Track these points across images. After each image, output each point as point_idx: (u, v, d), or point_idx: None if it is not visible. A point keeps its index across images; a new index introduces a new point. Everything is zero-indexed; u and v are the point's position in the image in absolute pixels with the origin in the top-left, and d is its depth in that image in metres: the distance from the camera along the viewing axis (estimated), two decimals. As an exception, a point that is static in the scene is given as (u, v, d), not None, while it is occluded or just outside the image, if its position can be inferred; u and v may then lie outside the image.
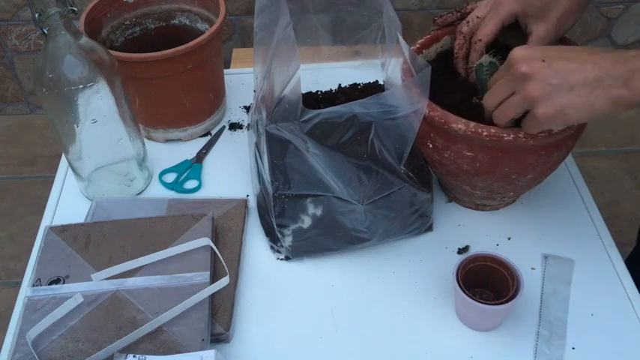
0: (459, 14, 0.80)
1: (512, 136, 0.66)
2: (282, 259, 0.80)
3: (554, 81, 0.60)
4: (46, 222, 0.85)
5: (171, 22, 0.97)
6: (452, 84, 0.78)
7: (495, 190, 0.77)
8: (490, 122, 0.68)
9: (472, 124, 0.67)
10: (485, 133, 0.67)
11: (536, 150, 0.69)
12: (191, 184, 0.90)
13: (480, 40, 0.75)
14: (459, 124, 0.68)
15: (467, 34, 0.76)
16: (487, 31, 0.74)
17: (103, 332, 0.68)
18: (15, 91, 2.20)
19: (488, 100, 0.67)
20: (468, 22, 0.76)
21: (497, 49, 0.81)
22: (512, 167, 0.71)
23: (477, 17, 0.75)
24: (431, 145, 0.73)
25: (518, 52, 0.63)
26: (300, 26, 0.80)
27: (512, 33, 0.76)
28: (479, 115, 0.73)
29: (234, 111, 1.01)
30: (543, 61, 0.61)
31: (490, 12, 0.74)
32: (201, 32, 0.91)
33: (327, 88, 0.90)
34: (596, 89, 0.59)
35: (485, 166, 0.71)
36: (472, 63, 0.76)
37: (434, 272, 0.77)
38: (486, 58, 0.72)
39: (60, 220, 0.83)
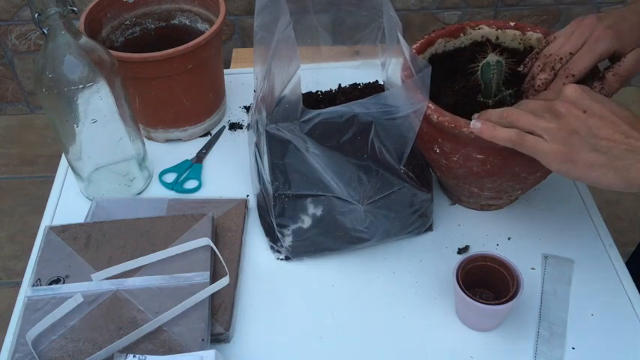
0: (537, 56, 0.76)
1: None
2: (282, 259, 0.80)
3: (582, 133, 0.60)
4: (46, 222, 0.85)
5: (171, 22, 0.97)
6: (450, 86, 0.78)
7: (504, 190, 0.77)
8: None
9: None
10: None
11: None
12: (191, 184, 0.90)
13: (574, 75, 0.70)
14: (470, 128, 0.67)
15: (558, 70, 0.72)
16: (582, 67, 0.70)
17: (103, 332, 0.68)
18: (15, 91, 2.20)
19: (523, 103, 0.67)
20: (561, 58, 0.71)
21: (503, 48, 0.81)
22: (523, 166, 0.71)
23: (570, 54, 0.71)
24: (438, 150, 0.73)
25: (570, 91, 0.63)
26: (300, 26, 0.80)
27: None
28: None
29: (234, 111, 1.01)
30: (584, 112, 0.61)
31: (584, 47, 0.70)
32: (201, 32, 0.91)
33: (327, 88, 0.90)
34: (618, 162, 0.59)
35: (495, 168, 0.71)
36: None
37: (434, 272, 0.77)
38: (493, 57, 0.71)
39: (60, 220, 0.84)
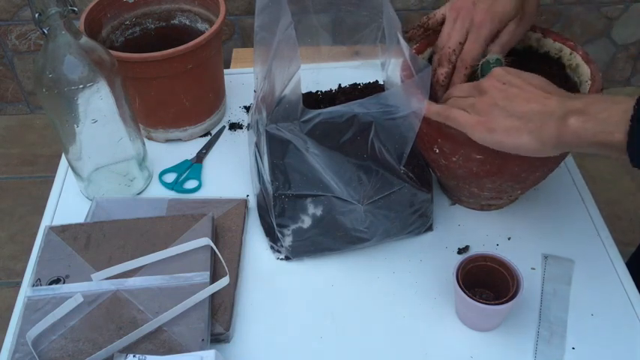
0: (422, 30, 0.80)
1: None
2: (282, 259, 0.80)
3: (502, 103, 0.64)
4: (46, 222, 0.85)
5: (171, 22, 0.97)
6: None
7: (504, 190, 0.77)
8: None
9: None
10: None
11: None
12: (191, 184, 0.90)
13: (471, 66, 0.75)
14: None
15: (454, 62, 0.76)
16: (474, 56, 0.74)
17: (103, 332, 0.68)
18: (15, 91, 2.20)
19: (451, 91, 0.72)
20: (454, 50, 0.75)
21: None
22: (522, 166, 0.71)
23: (460, 43, 0.75)
24: (437, 151, 0.73)
25: (496, 70, 0.68)
26: (300, 26, 0.80)
27: None
28: None
29: (234, 111, 1.01)
30: (504, 84, 0.65)
31: (471, 36, 0.74)
32: (201, 32, 0.91)
33: (327, 88, 0.90)
34: (531, 123, 0.62)
35: (495, 168, 0.71)
36: (454, 85, 0.75)
37: (434, 272, 0.77)
38: (492, 55, 0.73)
39: (60, 220, 0.84)
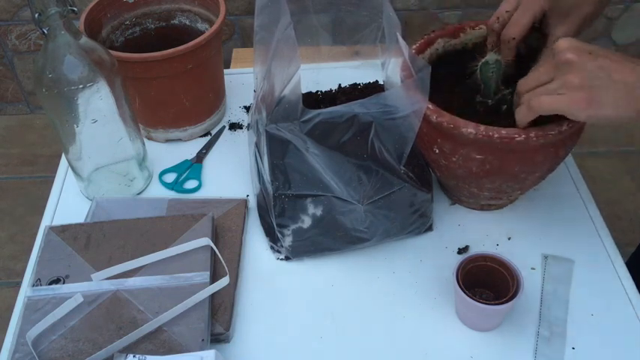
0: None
1: (523, 136, 0.66)
2: (282, 259, 0.80)
3: (599, 74, 0.60)
4: (46, 222, 0.85)
5: (171, 22, 0.97)
6: (450, 86, 0.78)
7: (503, 191, 0.77)
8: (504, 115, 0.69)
9: (482, 127, 0.67)
10: (496, 136, 0.66)
11: (545, 148, 0.69)
12: (191, 184, 0.90)
13: (514, 38, 0.73)
14: (469, 128, 0.67)
15: (499, 30, 0.75)
16: (520, 29, 0.72)
17: (103, 332, 0.68)
18: (15, 91, 2.20)
19: (524, 83, 0.67)
20: (498, 18, 0.74)
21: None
22: (522, 167, 0.71)
23: (507, 12, 0.73)
24: (437, 151, 0.73)
25: (565, 42, 0.62)
26: (300, 26, 0.80)
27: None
28: (481, 115, 0.73)
29: (234, 111, 1.01)
30: (590, 53, 0.61)
31: (520, 7, 0.73)
32: (201, 32, 0.91)
33: (327, 88, 0.90)
34: (632, 92, 0.59)
35: (494, 168, 0.71)
36: (505, 62, 0.74)
37: (434, 272, 0.77)
38: (492, 56, 0.72)
39: (60, 220, 0.84)
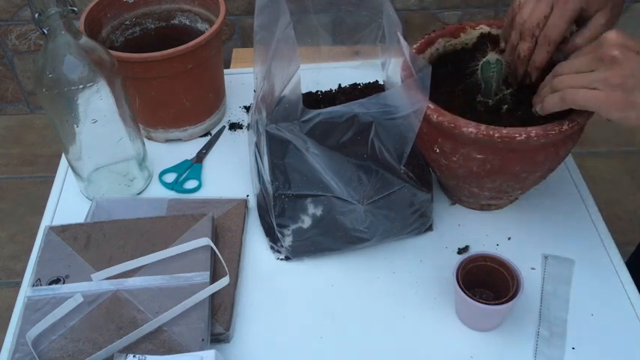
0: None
1: (523, 135, 0.66)
2: (282, 259, 0.80)
3: (638, 74, 0.58)
4: (46, 222, 0.85)
5: (171, 22, 0.97)
6: (450, 86, 0.78)
7: (504, 190, 0.77)
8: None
9: (483, 126, 0.67)
10: (497, 135, 0.66)
11: (546, 147, 0.69)
12: (191, 184, 0.90)
13: (555, 41, 0.70)
14: (470, 128, 0.67)
15: (538, 36, 0.71)
16: (559, 32, 0.69)
17: (103, 332, 0.68)
18: (15, 91, 2.20)
19: (563, 67, 0.65)
20: (538, 24, 0.70)
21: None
22: (523, 166, 0.71)
23: (545, 17, 0.70)
24: (438, 150, 0.73)
25: (613, 36, 0.60)
26: (300, 26, 0.80)
27: None
28: (481, 115, 0.73)
29: (234, 111, 1.01)
30: (637, 53, 0.59)
31: (556, 11, 0.70)
32: (201, 32, 0.91)
33: (327, 88, 0.90)
34: None
35: (495, 168, 0.71)
36: (539, 63, 0.72)
37: (434, 272, 0.77)
38: (493, 56, 0.71)
39: (60, 220, 0.83)
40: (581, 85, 0.62)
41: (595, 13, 0.71)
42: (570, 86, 0.63)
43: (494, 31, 0.82)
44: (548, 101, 0.66)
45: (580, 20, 0.72)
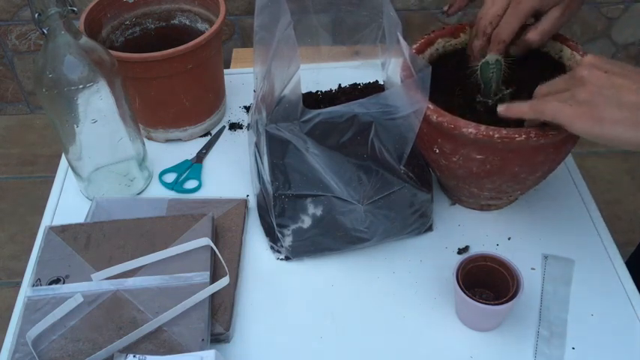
0: (465, 2, 0.80)
1: (523, 136, 0.66)
2: (282, 259, 0.80)
3: (607, 92, 0.60)
4: (46, 222, 0.85)
5: (171, 22, 0.97)
6: (450, 86, 0.78)
7: (504, 190, 0.77)
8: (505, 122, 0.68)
9: (483, 127, 0.67)
10: (496, 136, 0.66)
11: (546, 148, 0.69)
12: (191, 184, 0.90)
13: (504, 41, 0.73)
14: (470, 128, 0.67)
15: (490, 34, 0.75)
16: (510, 31, 0.73)
17: (103, 332, 0.68)
18: (15, 91, 2.20)
19: (541, 88, 0.67)
20: (490, 22, 0.74)
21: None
22: (522, 167, 0.71)
23: (498, 16, 0.73)
24: (437, 151, 0.73)
25: (587, 59, 0.64)
26: (300, 26, 0.80)
27: None
28: (481, 115, 0.73)
29: (234, 111, 1.01)
30: (606, 72, 0.61)
31: (509, 10, 0.73)
32: (201, 32, 0.91)
33: (327, 88, 0.90)
34: (637, 113, 0.59)
35: (495, 168, 0.71)
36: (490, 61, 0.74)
37: (434, 272, 0.77)
38: (492, 56, 0.72)
39: (60, 220, 0.84)
40: (555, 105, 0.64)
41: (549, 10, 0.74)
42: (548, 108, 0.64)
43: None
44: (518, 105, 0.67)
45: (536, 17, 0.74)
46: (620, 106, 0.60)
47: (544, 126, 0.67)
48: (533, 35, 0.74)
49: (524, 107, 0.66)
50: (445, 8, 0.81)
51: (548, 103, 0.64)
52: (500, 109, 0.68)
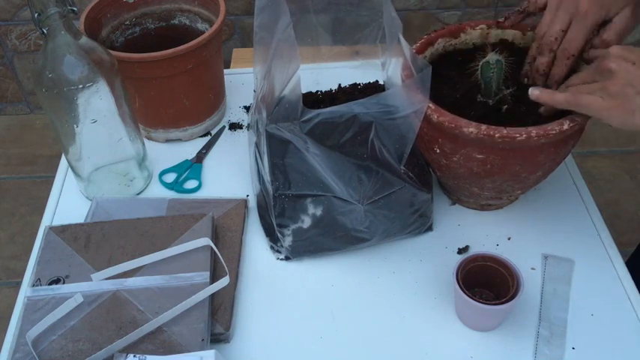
0: (522, 15, 0.79)
1: (524, 135, 0.66)
2: (282, 259, 0.80)
3: (635, 83, 0.62)
4: (46, 222, 0.85)
5: (171, 22, 0.97)
6: (450, 86, 0.78)
7: (504, 190, 0.77)
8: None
9: (483, 126, 0.67)
10: (497, 135, 0.66)
11: (546, 147, 0.69)
12: (191, 184, 0.90)
13: (574, 55, 0.72)
14: (471, 128, 0.67)
15: (556, 50, 0.73)
16: (578, 46, 0.71)
17: (103, 332, 0.68)
18: (15, 91, 2.20)
19: (571, 79, 0.69)
20: (556, 38, 0.72)
21: (504, 46, 0.81)
22: (523, 166, 0.71)
23: (562, 31, 0.72)
24: (438, 150, 0.73)
25: (614, 49, 0.65)
26: (300, 26, 0.79)
27: None
28: (481, 115, 0.73)
29: (234, 111, 1.01)
30: (633, 63, 0.62)
31: (574, 25, 0.71)
32: (201, 32, 0.91)
33: (327, 88, 0.90)
34: None
35: (496, 168, 0.71)
36: (558, 77, 0.73)
37: (434, 272, 0.77)
38: (493, 56, 0.72)
39: (60, 220, 0.84)
40: (584, 94, 0.65)
41: (616, 15, 0.72)
42: (577, 98, 0.66)
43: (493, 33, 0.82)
44: (549, 92, 0.68)
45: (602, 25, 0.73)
46: None
47: (565, 113, 0.67)
48: (609, 35, 0.71)
49: (559, 97, 0.67)
50: (501, 20, 0.81)
51: (583, 97, 0.65)
52: (534, 92, 0.69)
